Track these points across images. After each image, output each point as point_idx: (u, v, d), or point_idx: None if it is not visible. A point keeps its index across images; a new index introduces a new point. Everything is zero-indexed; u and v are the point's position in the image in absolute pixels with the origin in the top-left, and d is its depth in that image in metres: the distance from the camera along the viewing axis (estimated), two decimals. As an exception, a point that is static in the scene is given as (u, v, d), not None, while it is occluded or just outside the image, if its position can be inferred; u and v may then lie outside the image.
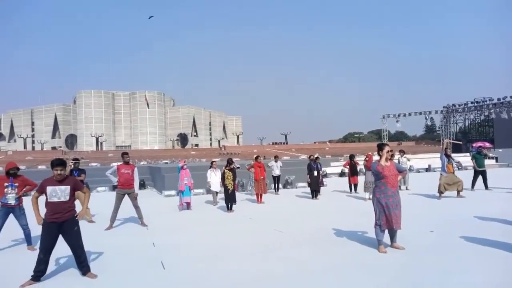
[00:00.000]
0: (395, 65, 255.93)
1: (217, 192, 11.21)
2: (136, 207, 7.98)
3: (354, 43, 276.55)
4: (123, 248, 6.03)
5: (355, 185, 13.12)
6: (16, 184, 6.00)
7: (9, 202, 5.94)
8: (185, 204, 10.24)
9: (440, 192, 10.50)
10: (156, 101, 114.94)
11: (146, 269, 4.84)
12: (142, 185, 17.53)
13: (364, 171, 13.18)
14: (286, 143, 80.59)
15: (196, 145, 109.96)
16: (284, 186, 15.84)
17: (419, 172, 23.47)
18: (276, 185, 13.97)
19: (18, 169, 6.11)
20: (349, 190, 13.24)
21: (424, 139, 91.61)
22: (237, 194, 10.62)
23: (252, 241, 6.23)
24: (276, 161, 14.10)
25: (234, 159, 11.17)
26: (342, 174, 21.73)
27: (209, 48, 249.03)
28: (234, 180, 10.05)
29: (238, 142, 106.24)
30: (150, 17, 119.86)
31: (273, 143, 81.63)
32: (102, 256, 5.50)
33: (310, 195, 11.97)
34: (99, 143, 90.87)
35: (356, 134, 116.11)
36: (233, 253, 5.49)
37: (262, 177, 11.32)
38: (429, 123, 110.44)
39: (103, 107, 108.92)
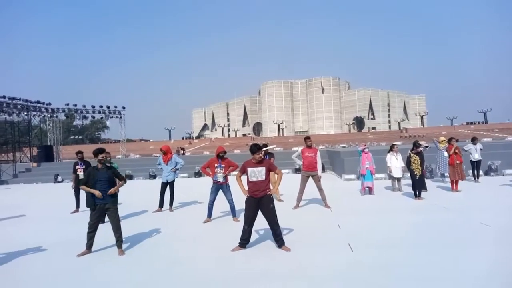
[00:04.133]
0: None
1: (399, 178, 10.41)
2: (320, 189, 8.26)
3: None
4: (310, 227, 6.36)
5: None
6: (223, 165, 7.17)
7: (218, 180, 7.15)
8: (367, 188, 9.97)
9: None
10: (331, 86, 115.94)
11: (334, 249, 4.94)
12: (322, 169, 18.04)
13: None
14: (486, 123, 67.76)
15: (373, 128, 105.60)
16: (486, 173, 13.36)
17: None
18: (476, 171, 11.91)
19: (225, 152, 7.28)
20: None
21: None
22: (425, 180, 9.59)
23: (449, 233, 5.50)
24: (474, 144, 12.00)
25: (420, 142, 10.10)
26: None
27: (383, 26, 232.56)
28: (422, 164, 9.12)
29: (422, 124, 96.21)
30: None
31: (467, 123, 70.08)
32: (293, 233, 5.94)
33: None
34: (281, 129, 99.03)
35: None
36: (425, 244, 4.99)
37: (458, 162, 9.85)
38: None
39: (283, 96, 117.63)
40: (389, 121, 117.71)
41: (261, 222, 5.34)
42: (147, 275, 4.29)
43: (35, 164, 23.75)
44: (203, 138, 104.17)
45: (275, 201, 8.92)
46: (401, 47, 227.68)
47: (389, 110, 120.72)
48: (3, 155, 25.39)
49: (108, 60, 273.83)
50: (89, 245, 5.26)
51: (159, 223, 7.25)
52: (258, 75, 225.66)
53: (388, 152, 10.50)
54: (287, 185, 10.87)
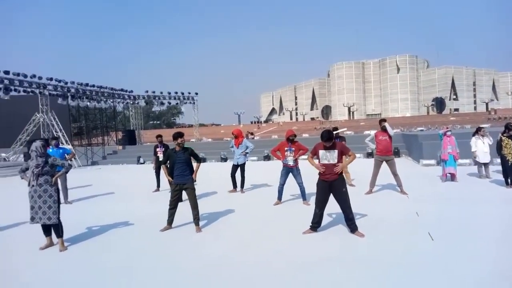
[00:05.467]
0: None
1: (486, 164, 9.42)
2: (395, 175, 7.84)
3: None
4: (385, 213, 6.09)
5: None
6: (293, 148, 7.14)
7: (288, 163, 7.15)
8: (449, 174, 9.22)
9: None
10: (408, 64, 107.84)
11: (413, 237, 4.69)
12: (396, 153, 17.07)
13: None
14: None
15: (456, 109, 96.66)
16: None
17: None
18: None
19: (295, 136, 7.24)
20: None
21: None
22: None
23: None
24: None
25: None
26: None
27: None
28: (516, 149, 8.12)
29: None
30: None
31: None
32: (366, 218, 5.75)
33: None
34: (351, 113, 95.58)
35: None
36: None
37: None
38: None
39: (353, 77, 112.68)
40: (475, 102, 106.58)
41: (333, 206, 5.25)
42: (222, 252, 4.50)
43: (120, 147, 26.17)
44: (271, 122, 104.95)
45: (347, 185, 8.72)
46: (491, 19, 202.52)
47: (474, 90, 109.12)
48: (93, 138, 28.38)
49: (182, 48, 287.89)
50: (170, 221, 5.68)
51: (232, 203, 7.54)
52: (326, 57, 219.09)
53: (473, 135, 9.57)
54: (358, 169, 10.52)
